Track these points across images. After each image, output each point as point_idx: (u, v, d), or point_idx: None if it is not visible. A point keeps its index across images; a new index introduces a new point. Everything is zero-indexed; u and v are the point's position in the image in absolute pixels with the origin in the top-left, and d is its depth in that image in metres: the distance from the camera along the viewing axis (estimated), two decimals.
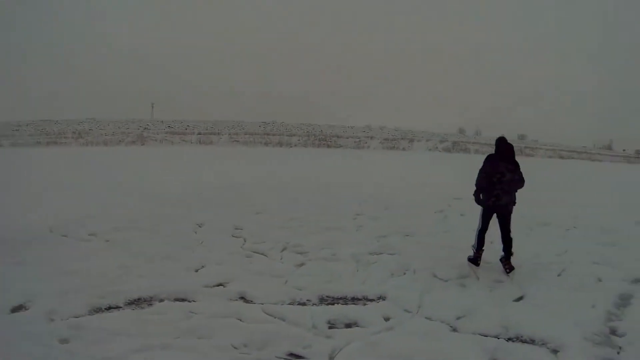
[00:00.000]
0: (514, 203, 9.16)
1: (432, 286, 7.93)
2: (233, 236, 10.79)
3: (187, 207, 13.72)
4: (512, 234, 9.06)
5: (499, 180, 8.95)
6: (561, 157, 73.20)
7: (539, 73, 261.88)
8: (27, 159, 31.69)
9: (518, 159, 9.17)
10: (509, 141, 9.39)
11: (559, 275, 8.93)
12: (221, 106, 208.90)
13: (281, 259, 9.25)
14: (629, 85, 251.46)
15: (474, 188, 9.19)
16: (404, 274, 8.57)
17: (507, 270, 8.99)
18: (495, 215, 9.24)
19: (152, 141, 58.88)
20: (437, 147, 68.87)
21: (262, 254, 9.49)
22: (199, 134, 64.00)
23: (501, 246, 9.14)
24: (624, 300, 7.78)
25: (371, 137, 71.96)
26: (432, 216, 13.95)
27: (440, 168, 34.58)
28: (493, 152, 9.30)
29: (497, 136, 9.43)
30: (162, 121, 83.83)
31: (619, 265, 9.77)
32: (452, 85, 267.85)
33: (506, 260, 9.12)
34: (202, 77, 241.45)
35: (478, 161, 9.74)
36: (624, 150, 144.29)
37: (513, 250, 9.16)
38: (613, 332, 6.54)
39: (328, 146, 62.40)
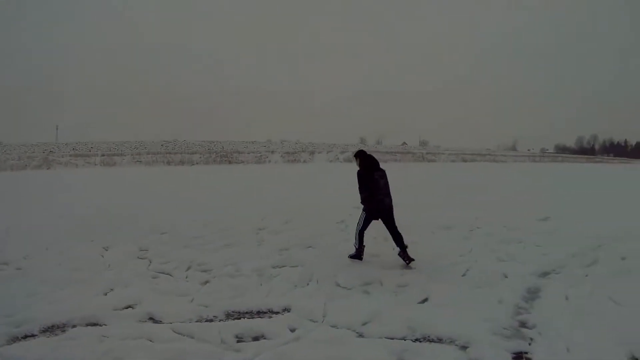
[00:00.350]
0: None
1: (336, 295, 8.07)
2: (139, 258, 10.67)
3: (93, 231, 13.45)
4: (400, 230, 9.75)
5: (377, 188, 9.90)
6: (464, 161, 75.07)
7: (440, 78, 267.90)
8: None
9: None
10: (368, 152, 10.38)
11: (463, 275, 9.27)
12: (124, 125, 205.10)
13: (186, 277, 9.22)
14: (531, 86, 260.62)
15: (364, 199, 10.03)
16: (307, 284, 8.68)
17: (407, 262, 9.79)
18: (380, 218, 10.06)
19: (57, 164, 57.67)
20: (338, 158, 69.63)
21: (167, 273, 9.45)
22: (103, 155, 63.01)
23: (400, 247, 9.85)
24: (533, 294, 8.15)
25: (272, 151, 72.18)
26: (333, 226, 14.18)
27: (341, 178, 35.04)
28: (364, 166, 10.10)
29: (358, 149, 10.53)
30: (66, 144, 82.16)
31: (525, 260, 10.24)
32: (352, 95, 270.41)
33: (403, 253, 9.88)
34: (103, 95, 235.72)
35: None
36: (529, 149, 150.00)
37: (406, 243, 9.91)
38: (523, 324, 6.81)
39: (229, 162, 62.26)
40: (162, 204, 19.66)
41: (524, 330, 6.62)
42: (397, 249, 9.98)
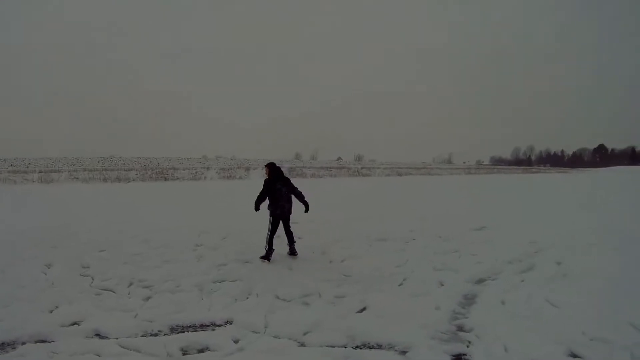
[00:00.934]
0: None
1: (276, 307, 8.36)
2: (81, 275, 10.64)
3: (35, 248, 13.33)
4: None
5: (279, 195, 11.70)
6: (399, 175, 75.61)
7: (376, 90, 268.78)
8: None
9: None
10: (277, 165, 12.18)
11: (400, 284, 9.64)
12: (61, 140, 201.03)
13: (129, 294, 9.29)
14: (469, 98, 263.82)
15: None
16: (247, 298, 8.93)
17: (295, 255, 12.12)
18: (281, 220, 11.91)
19: None
20: None
21: (110, 290, 9.49)
22: (40, 172, 61.88)
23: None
24: (469, 300, 8.59)
25: (208, 168, 71.68)
26: None
27: None
28: (271, 175, 11.91)
29: (269, 162, 12.21)
30: (4, 159, 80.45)
31: (460, 269, 10.71)
32: (285, 110, 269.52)
33: (291, 247, 12.21)
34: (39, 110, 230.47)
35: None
36: (464, 162, 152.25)
37: (295, 239, 12.26)
38: (460, 328, 7.22)
39: (165, 179, 61.63)
40: (100, 221, 19.49)
41: (462, 333, 7.02)
42: (287, 246, 12.29)
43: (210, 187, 47.72)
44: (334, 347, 6.58)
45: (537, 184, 50.99)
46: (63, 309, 8.32)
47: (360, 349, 6.56)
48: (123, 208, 25.29)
